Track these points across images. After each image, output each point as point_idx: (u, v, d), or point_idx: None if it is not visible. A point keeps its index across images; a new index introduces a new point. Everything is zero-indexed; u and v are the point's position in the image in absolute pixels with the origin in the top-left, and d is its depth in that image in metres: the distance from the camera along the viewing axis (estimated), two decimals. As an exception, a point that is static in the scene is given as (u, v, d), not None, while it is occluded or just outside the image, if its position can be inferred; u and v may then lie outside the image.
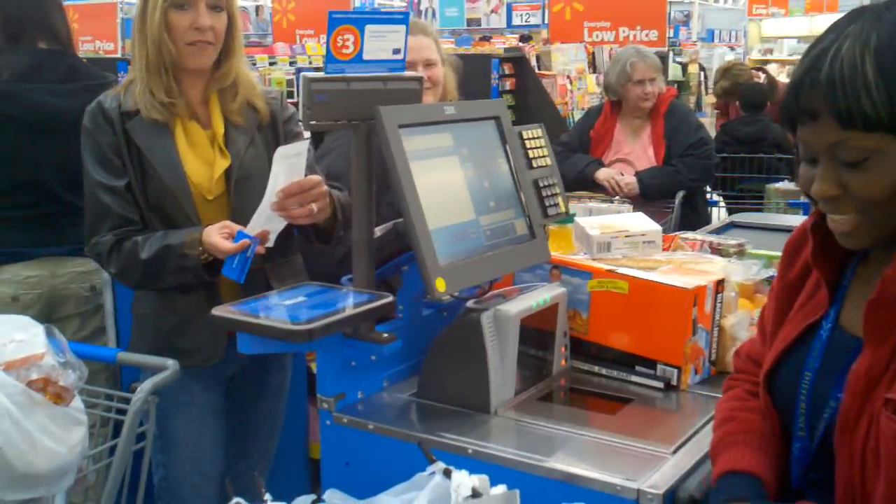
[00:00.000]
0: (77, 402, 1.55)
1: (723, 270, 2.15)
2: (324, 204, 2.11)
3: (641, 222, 2.37)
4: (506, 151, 2.06)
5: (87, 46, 10.19)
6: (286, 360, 2.50)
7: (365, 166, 1.90)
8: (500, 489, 1.32)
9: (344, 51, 1.81)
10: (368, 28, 1.82)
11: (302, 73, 1.82)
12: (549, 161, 2.16)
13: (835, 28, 1.27)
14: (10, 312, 2.44)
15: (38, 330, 1.59)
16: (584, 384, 2.11)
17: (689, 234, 2.69)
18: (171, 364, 1.78)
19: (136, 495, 1.92)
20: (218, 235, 2.04)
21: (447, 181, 1.91)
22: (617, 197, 3.91)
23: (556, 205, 2.14)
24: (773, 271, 2.34)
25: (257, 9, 16.99)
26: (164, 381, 1.75)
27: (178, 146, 2.16)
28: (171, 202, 2.14)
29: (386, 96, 1.87)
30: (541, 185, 2.12)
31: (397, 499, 1.35)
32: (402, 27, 1.87)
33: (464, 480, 1.33)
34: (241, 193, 2.18)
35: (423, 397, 1.97)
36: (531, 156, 2.11)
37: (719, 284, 2.06)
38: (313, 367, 3.32)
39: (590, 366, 2.14)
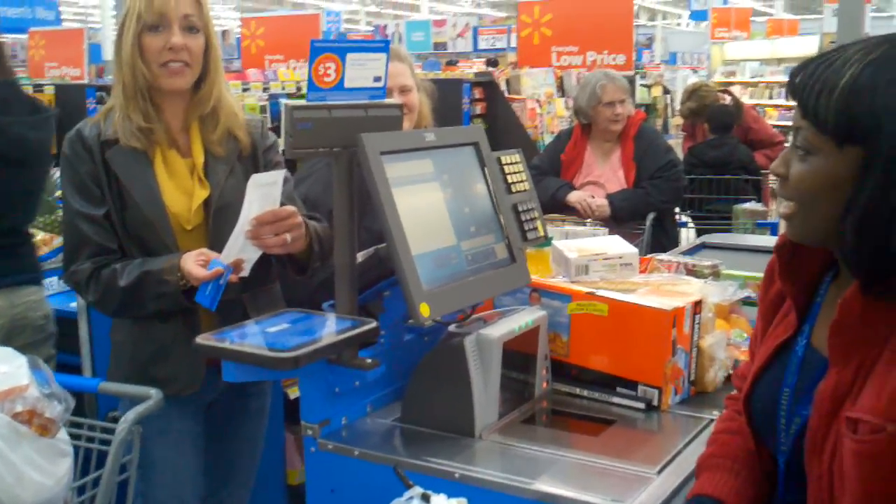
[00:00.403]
0: (62, 434, 1.54)
1: (700, 291, 2.18)
2: (299, 234, 2.11)
3: (618, 245, 2.40)
4: (485, 177, 2.08)
5: (53, 73, 10.13)
6: (266, 385, 2.49)
7: (346, 193, 1.91)
8: None
9: (326, 79, 1.83)
10: (349, 56, 1.84)
11: (284, 102, 1.83)
12: (527, 186, 2.18)
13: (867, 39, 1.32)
14: None
15: (21, 361, 1.57)
16: (567, 406, 2.12)
17: (665, 256, 2.72)
18: (155, 393, 1.77)
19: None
20: (193, 262, 2.04)
21: (428, 207, 1.93)
22: (589, 220, 3.96)
23: (535, 229, 2.16)
24: (748, 292, 2.38)
25: (224, 33, 16.99)
26: (148, 410, 1.75)
27: (158, 175, 2.16)
28: (149, 232, 2.14)
29: (367, 123, 1.88)
30: (520, 209, 2.14)
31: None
32: (383, 55, 1.89)
33: (442, 504, 1.34)
34: (219, 224, 2.17)
35: (407, 422, 1.98)
36: (510, 181, 2.13)
37: (697, 305, 2.09)
38: (290, 392, 3.32)
39: (571, 387, 2.15)
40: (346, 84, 1.86)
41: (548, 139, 6.43)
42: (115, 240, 2.15)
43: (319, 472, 1.93)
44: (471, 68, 9.98)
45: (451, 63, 13.33)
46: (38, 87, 6.92)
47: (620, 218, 4.20)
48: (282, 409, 3.24)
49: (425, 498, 1.35)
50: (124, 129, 2.13)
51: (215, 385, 2.19)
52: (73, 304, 3.39)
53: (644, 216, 4.24)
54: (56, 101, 6.75)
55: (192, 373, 2.17)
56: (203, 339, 1.78)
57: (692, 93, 6.30)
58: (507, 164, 2.15)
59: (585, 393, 2.14)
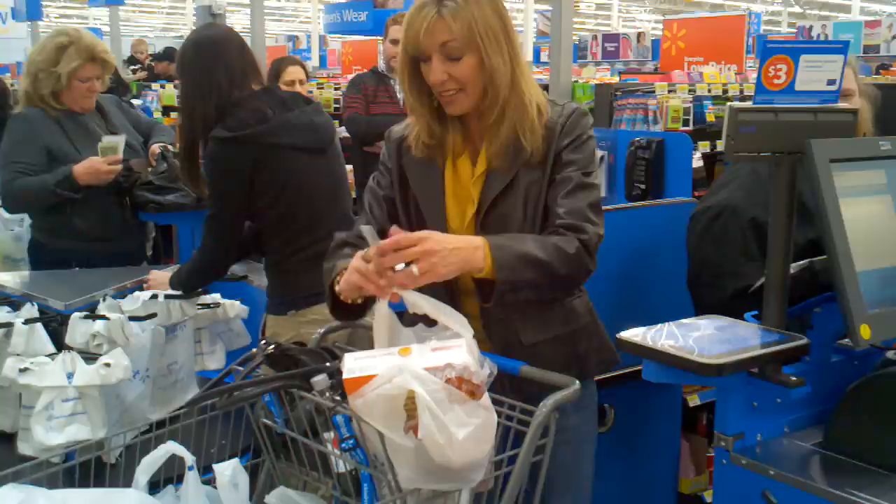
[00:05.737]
0: (486, 400, 1.61)
1: None
2: (429, 264, 1.71)
3: None
4: (947, 192, 1.88)
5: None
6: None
7: (786, 201, 1.83)
8: None
9: (775, 81, 1.76)
10: (803, 58, 1.75)
11: (729, 104, 1.78)
12: None
13: None
14: None
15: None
16: None
17: None
18: (573, 382, 1.81)
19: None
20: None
21: (878, 221, 1.79)
22: None
23: None
24: None
25: (639, 35, 17.16)
26: (566, 398, 1.77)
27: (446, 187, 2.08)
28: None
29: (816, 129, 1.79)
30: (985, 231, 1.90)
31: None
32: (840, 57, 1.78)
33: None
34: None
35: (830, 449, 1.85)
36: (976, 199, 1.90)
37: None
38: (689, 399, 3.25)
39: None
40: (797, 86, 1.77)
41: None
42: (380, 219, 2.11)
43: (729, 486, 1.87)
44: (907, 73, 9.07)
45: (884, 67, 12.25)
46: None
47: None
48: (679, 416, 3.20)
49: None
50: (416, 140, 2.10)
51: None
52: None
53: None
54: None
55: None
56: (626, 335, 1.80)
57: None
58: (973, 179, 1.92)
59: None
